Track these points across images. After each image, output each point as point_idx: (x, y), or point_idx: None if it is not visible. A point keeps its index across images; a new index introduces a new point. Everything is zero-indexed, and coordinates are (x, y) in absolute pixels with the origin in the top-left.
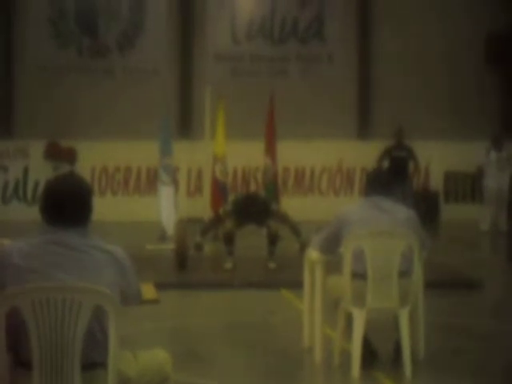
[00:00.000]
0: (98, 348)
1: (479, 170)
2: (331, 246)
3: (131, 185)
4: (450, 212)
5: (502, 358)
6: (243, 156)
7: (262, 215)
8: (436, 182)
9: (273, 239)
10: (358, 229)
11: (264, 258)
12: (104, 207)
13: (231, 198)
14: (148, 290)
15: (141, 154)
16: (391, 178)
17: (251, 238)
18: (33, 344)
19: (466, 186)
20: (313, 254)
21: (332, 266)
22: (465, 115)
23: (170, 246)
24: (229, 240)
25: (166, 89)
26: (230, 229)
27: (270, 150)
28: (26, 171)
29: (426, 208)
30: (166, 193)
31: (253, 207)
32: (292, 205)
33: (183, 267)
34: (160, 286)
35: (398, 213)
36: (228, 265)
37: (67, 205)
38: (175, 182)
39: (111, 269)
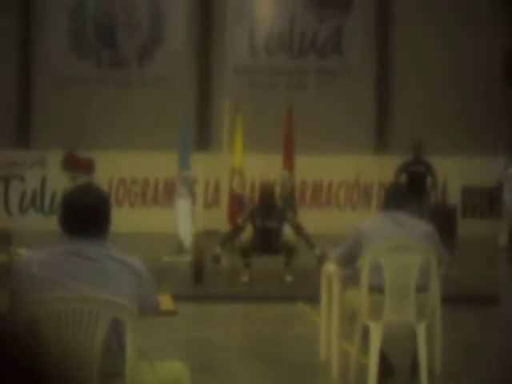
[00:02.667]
0: (115, 359)
1: (499, 185)
2: (349, 259)
3: (149, 196)
4: (467, 227)
5: None
6: (261, 169)
7: (279, 219)
8: (453, 197)
9: (289, 252)
10: (376, 243)
11: (280, 270)
12: (121, 218)
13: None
14: (166, 302)
15: (158, 165)
16: (409, 192)
17: None
18: (50, 354)
19: (484, 201)
20: (330, 267)
21: (349, 279)
22: (482, 130)
23: (187, 259)
24: (245, 252)
25: (184, 101)
26: (246, 240)
27: (288, 163)
28: (43, 181)
29: (444, 223)
30: (183, 205)
31: (269, 206)
32: (309, 218)
33: (200, 280)
34: (177, 298)
35: (417, 227)
36: (244, 278)
37: (86, 215)
38: (193, 195)
39: (129, 280)
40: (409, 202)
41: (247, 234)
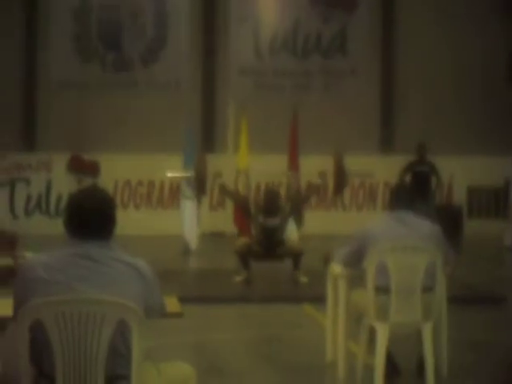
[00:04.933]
0: (121, 361)
1: (507, 184)
2: (354, 260)
3: (154, 198)
4: (473, 227)
5: None
6: (266, 170)
7: (281, 217)
8: (459, 197)
9: (296, 256)
10: (381, 243)
11: (286, 271)
12: (127, 221)
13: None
14: (172, 304)
15: (164, 167)
16: (415, 192)
17: None
18: (56, 357)
19: (490, 201)
20: (336, 268)
21: (355, 280)
22: (488, 130)
23: (188, 174)
24: (242, 256)
25: (189, 102)
26: (243, 245)
27: (293, 164)
28: (48, 184)
29: (450, 223)
30: (188, 207)
31: (273, 208)
32: (315, 219)
33: (203, 191)
34: (182, 301)
35: (422, 227)
36: (239, 278)
37: (91, 218)
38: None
39: (135, 281)
40: (414, 201)
41: (244, 239)
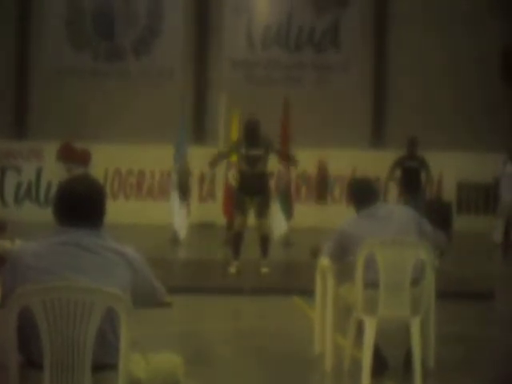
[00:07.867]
0: (109, 350)
1: (496, 182)
2: (338, 254)
3: (144, 188)
4: (462, 223)
5: None
6: None
7: (264, 148)
8: (449, 193)
9: (264, 239)
10: (366, 240)
11: (276, 262)
12: (117, 210)
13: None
14: None
15: (154, 157)
16: (371, 183)
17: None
18: (44, 344)
19: (479, 197)
20: (324, 261)
21: (344, 273)
22: (478, 127)
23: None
24: (237, 241)
25: (181, 93)
26: (239, 227)
27: (284, 158)
28: (39, 172)
29: (439, 219)
30: (178, 197)
31: (253, 139)
32: (305, 212)
33: (185, 196)
34: (170, 290)
35: (399, 217)
36: (232, 269)
37: (81, 206)
38: (188, 187)
39: (124, 270)
40: (376, 192)
41: (239, 220)
